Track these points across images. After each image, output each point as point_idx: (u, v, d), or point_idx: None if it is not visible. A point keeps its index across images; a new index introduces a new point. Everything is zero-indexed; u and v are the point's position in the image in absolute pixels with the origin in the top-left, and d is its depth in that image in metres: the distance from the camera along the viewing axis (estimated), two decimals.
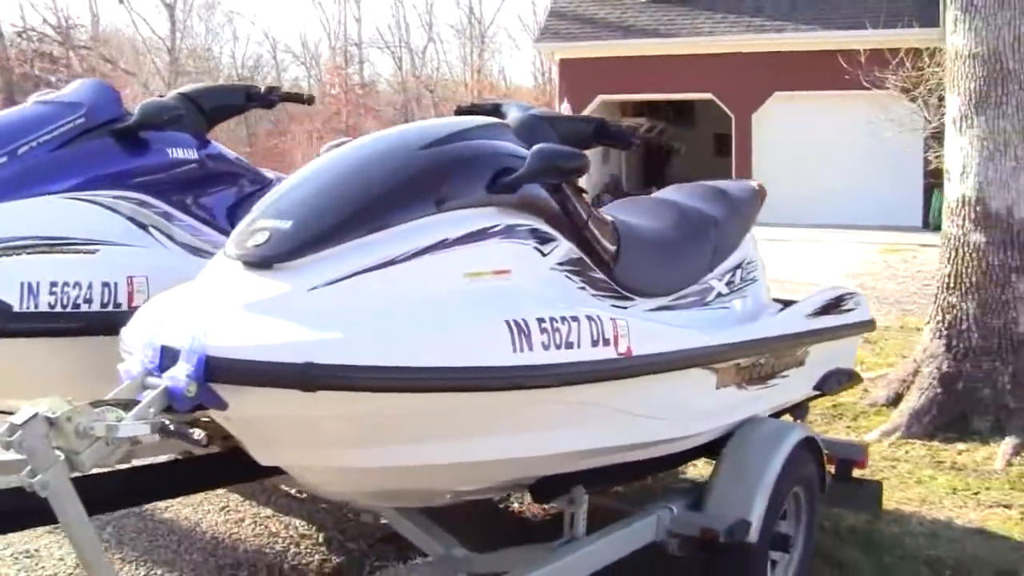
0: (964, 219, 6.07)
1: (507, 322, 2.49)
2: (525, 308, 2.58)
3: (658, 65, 21.08)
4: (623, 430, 3.04)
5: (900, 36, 16.37)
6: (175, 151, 3.65)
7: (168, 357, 2.32)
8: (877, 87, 13.75)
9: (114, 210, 3.43)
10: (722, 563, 3.33)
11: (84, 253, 3.23)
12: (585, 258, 3.04)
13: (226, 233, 3.75)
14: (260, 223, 2.57)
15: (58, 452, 2.13)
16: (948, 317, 6.16)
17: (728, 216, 3.89)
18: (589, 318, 2.71)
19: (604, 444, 3.01)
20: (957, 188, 6.12)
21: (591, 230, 3.07)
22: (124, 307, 3.20)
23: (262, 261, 2.47)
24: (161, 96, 3.96)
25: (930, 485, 5.18)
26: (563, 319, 2.63)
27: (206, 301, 2.45)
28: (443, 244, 2.58)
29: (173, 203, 3.61)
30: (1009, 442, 5.67)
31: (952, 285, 6.16)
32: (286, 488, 4.61)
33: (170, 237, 3.57)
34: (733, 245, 3.89)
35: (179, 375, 2.24)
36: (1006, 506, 4.89)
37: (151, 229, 3.53)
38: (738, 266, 3.89)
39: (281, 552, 4.17)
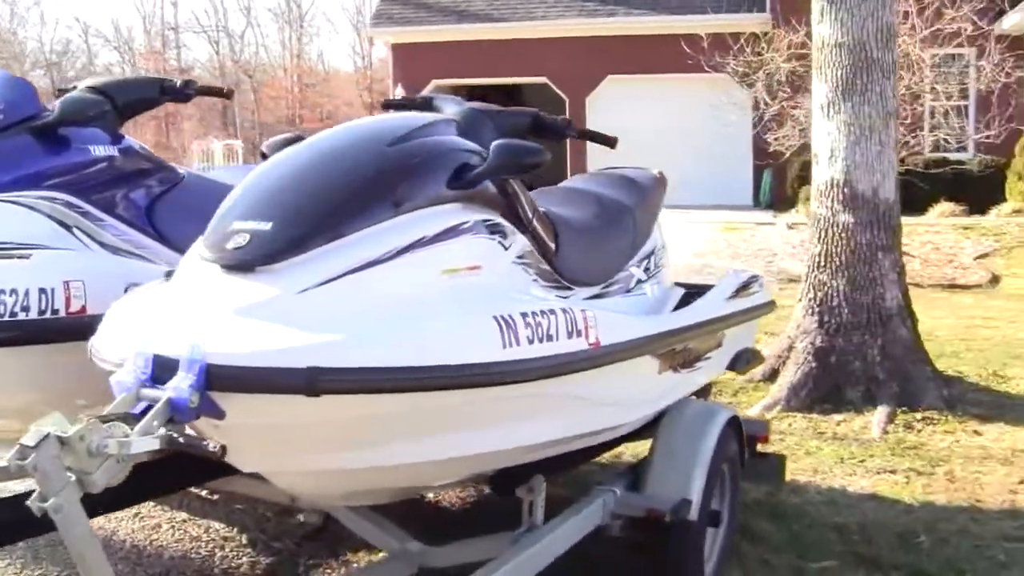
0: (833, 200, 6.38)
1: (495, 317, 2.52)
2: (506, 303, 2.61)
3: (491, 49, 21.31)
4: (584, 418, 3.11)
5: (733, 21, 17.01)
6: (95, 148, 3.47)
7: (161, 367, 2.24)
8: (717, 71, 14.24)
9: (40, 211, 3.25)
10: (665, 542, 3.42)
11: (18, 258, 3.06)
12: (535, 250, 3.08)
13: (146, 232, 3.63)
14: (236, 225, 2.50)
15: (69, 473, 2.03)
16: (820, 294, 6.48)
17: (640, 203, 3.99)
18: (564, 311, 2.76)
19: (567, 433, 3.06)
20: (826, 171, 6.42)
21: (535, 223, 3.11)
22: (62, 313, 3.04)
23: (243, 264, 2.41)
24: (66, 90, 3.76)
25: (818, 455, 5.44)
26: (542, 312, 2.67)
27: (193, 307, 2.38)
28: (421, 242, 2.58)
29: (95, 202, 3.43)
30: (881, 411, 6.02)
31: (823, 264, 6.47)
32: (196, 491, 4.47)
33: (94, 238, 3.39)
34: (647, 233, 3.99)
35: (181, 385, 2.17)
36: (891, 471, 5.18)
37: (75, 230, 3.35)
38: (652, 252, 4.00)
39: (207, 556, 4.06)
